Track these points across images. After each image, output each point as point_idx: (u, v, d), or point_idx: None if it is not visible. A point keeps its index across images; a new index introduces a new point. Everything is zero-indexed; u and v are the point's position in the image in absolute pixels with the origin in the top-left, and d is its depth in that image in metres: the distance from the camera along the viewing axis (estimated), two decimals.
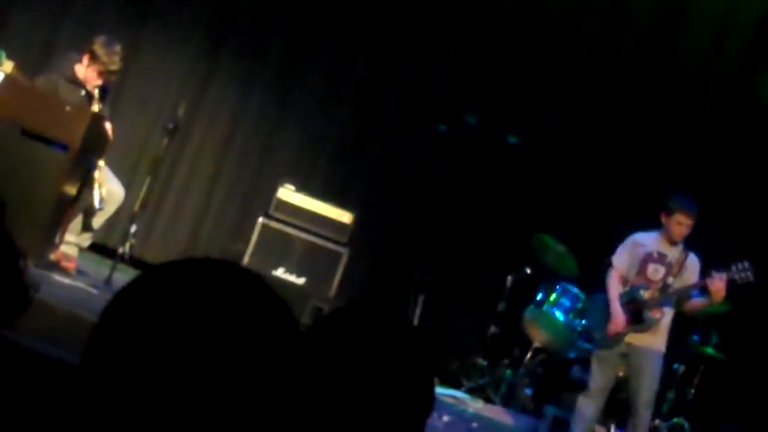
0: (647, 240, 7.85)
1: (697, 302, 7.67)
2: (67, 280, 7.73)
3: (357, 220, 9.54)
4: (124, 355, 1.36)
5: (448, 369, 9.77)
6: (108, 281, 7.83)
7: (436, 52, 10.64)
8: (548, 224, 9.76)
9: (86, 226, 8.34)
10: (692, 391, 9.27)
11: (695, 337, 9.22)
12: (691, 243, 7.78)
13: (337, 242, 9.40)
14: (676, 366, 9.19)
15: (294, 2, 10.65)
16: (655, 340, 7.71)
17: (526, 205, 10.60)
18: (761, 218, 10.12)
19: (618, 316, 7.71)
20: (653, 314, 7.65)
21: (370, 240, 10.33)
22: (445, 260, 10.16)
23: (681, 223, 7.62)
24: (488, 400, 9.46)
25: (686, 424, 9.12)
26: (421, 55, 10.64)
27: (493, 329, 9.92)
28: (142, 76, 10.43)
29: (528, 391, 9.50)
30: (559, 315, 9.19)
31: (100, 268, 8.58)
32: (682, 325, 9.17)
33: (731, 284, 7.42)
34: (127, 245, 8.22)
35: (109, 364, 1.36)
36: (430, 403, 1.97)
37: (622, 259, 7.93)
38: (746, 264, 7.40)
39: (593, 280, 8.34)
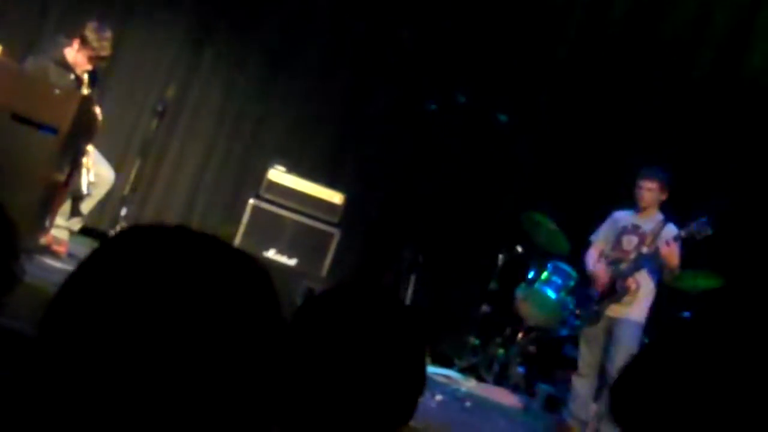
0: (624, 215, 8.11)
1: (664, 270, 7.79)
2: (57, 264, 7.72)
3: (348, 201, 9.53)
4: (82, 324, 1.28)
5: (440, 348, 9.78)
6: None
7: (426, 31, 10.62)
8: (539, 202, 9.76)
9: (75, 211, 8.32)
10: None
11: (686, 314, 9.23)
12: (676, 216, 7.87)
13: (328, 223, 9.39)
14: None
15: None
16: (631, 311, 7.85)
17: (517, 183, 10.60)
18: (752, 195, 10.13)
19: (600, 271, 7.95)
20: (626, 284, 7.79)
21: (362, 220, 10.33)
22: (437, 239, 10.16)
23: (641, 188, 7.88)
24: (481, 378, 9.48)
25: None
26: (411, 33, 10.62)
27: (484, 308, 9.93)
28: (131, 59, 10.41)
29: (520, 370, 9.51)
30: (550, 293, 9.19)
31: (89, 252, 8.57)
32: (673, 302, 9.21)
33: (690, 241, 7.60)
34: (118, 228, 8.21)
35: (66, 334, 1.29)
36: (421, 381, 1.97)
37: (599, 236, 8.21)
38: (704, 219, 7.53)
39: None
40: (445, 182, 10.37)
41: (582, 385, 7.99)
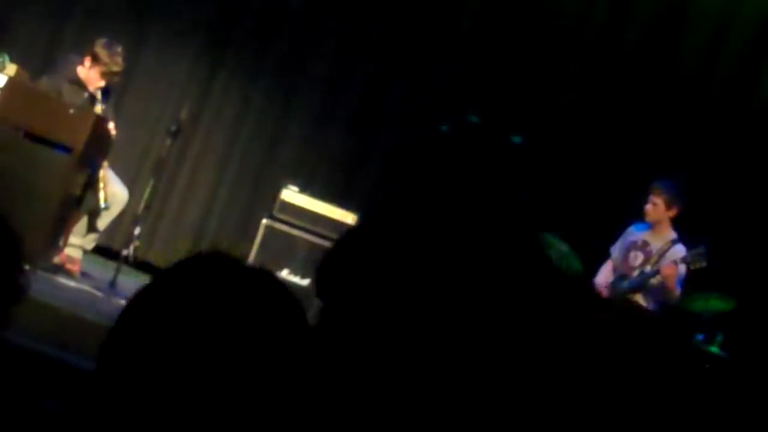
0: (638, 229, 8.08)
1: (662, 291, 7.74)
2: (71, 283, 7.74)
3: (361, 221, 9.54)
4: (139, 359, 1.34)
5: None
6: (112, 284, 7.83)
7: (439, 52, 10.63)
8: (551, 224, 9.74)
9: (91, 228, 8.34)
10: None
11: (700, 336, 9.19)
12: (690, 238, 7.82)
13: None
14: None
15: (295, 3, 10.65)
16: None
17: (530, 204, 10.58)
18: (763, 216, 10.11)
19: (601, 288, 8.00)
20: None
21: None
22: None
23: (647, 201, 7.84)
24: None
25: None
26: (424, 55, 10.63)
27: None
28: (145, 79, 10.44)
29: None
30: None
31: (105, 270, 8.58)
32: (687, 326, 9.18)
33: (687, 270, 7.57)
34: (131, 247, 8.22)
35: (123, 368, 1.35)
36: None
37: (614, 249, 8.22)
38: (701, 249, 7.47)
39: None
40: (457, 204, 10.34)
41: None
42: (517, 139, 9.69)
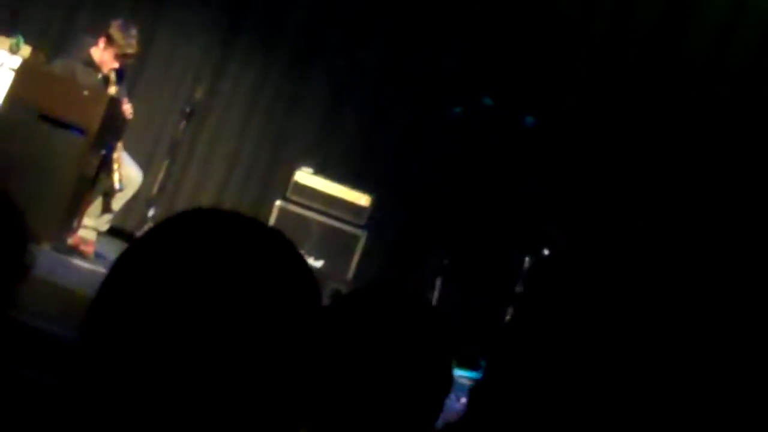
0: None
1: None
2: (85, 264, 7.75)
3: (374, 203, 9.54)
4: (128, 319, 1.21)
5: (466, 350, 9.77)
6: None
7: (452, 34, 10.61)
8: (566, 205, 9.74)
9: (106, 209, 8.36)
10: None
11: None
12: None
13: (354, 225, 9.40)
14: None
15: None
16: None
17: (544, 186, 10.58)
18: None
19: None
20: None
21: (388, 222, 10.32)
22: (463, 242, 10.15)
23: None
24: None
25: None
26: (437, 36, 10.62)
27: (510, 311, 9.91)
28: (159, 60, 10.45)
29: None
30: None
31: (119, 252, 8.59)
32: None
33: None
34: (146, 228, 8.23)
35: (112, 333, 1.21)
36: (448, 382, 1.97)
37: None
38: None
39: None
40: (471, 185, 10.36)
41: None
42: (530, 120, 9.67)
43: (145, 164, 9.17)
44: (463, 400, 8.04)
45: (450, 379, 1.98)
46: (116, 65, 8.15)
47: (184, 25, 10.56)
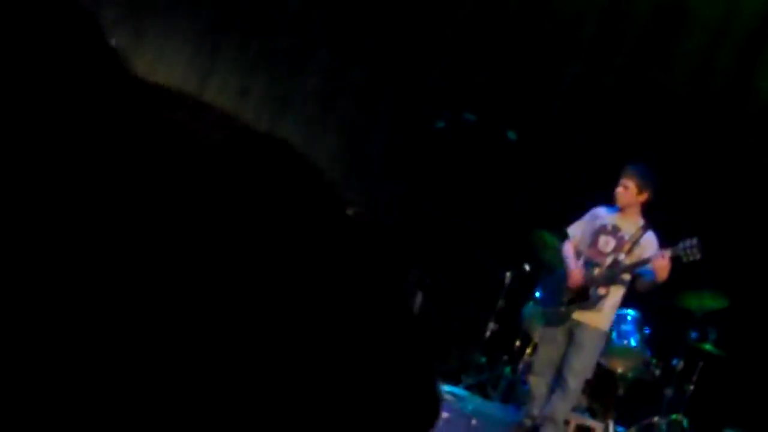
0: (605, 213, 7.79)
1: (647, 280, 7.49)
2: None
3: (356, 218, 9.54)
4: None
5: (447, 365, 9.78)
6: None
7: (434, 49, 10.64)
8: (547, 220, 9.76)
9: None
10: (691, 387, 9.27)
11: (693, 334, 9.22)
12: (663, 231, 7.69)
13: None
14: (674, 362, 9.19)
15: (293, 1, 10.65)
16: (598, 319, 7.62)
17: (525, 201, 10.60)
18: (762, 214, 10.13)
19: (575, 272, 7.66)
20: (598, 291, 7.57)
21: None
22: (445, 257, 10.16)
23: (618, 185, 7.58)
24: (487, 396, 9.47)
25: (685, 421, 9.11)
26: (420, 51, 10.64)
27: (492, 326, 9.93)
28: (143, 71, 10.41)
29: (527, 388, 9.51)
30: None
31: None
32: (680, 322, 9.21)
33: (677, 261, 7.30)
34: None
35: None
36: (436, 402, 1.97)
37: (576, 230, 7.93)
38: (694, 241, 7.21)
39: None
40: (452, 200, 10.37)
41: (538, 384, 7.85)
42: (512, 135, 9.71)
43: None
44: (444, 414, 8.05)
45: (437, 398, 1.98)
46: None
47: (168, 36, 10.55)
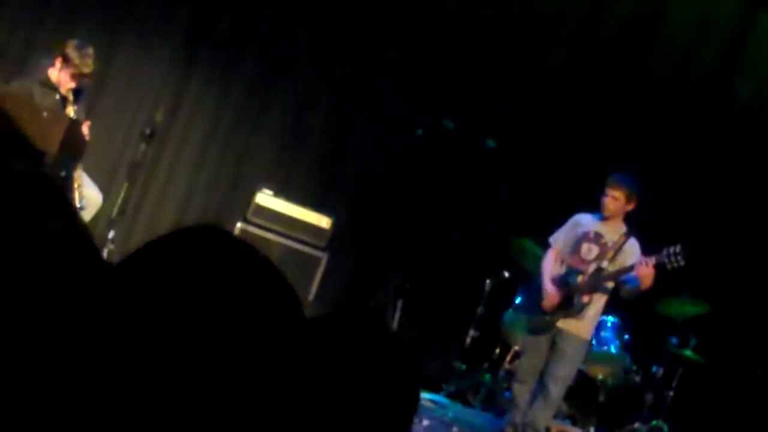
0: (587, 220, 7.79)
1: (631, 288, 7.46)
2: None
3: (335, 225, 9.53)
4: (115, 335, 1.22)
5: (427, 373, 9.77)
6: None
7: (413, 57, 10.64)
8: (526, 228, 9.76)
9: None
10: (671, 393, 9.29)
11: (674, 340, 9.24)
12: (647, 238, 7.70)
13: (315, 247, 9.38)
14: (654, 368, 9.22)
15: (272, 8, 10.62)
16: (581, 327, 7.60)
17: (505, 208, 10.61)
18: (743, 220, 10.17)
19: (550, 291, 7.65)
20: (582, 299, 7.58)
21: (349, 244, 10.31)
22: (424, 264, 10.15)
23: (606, 195, 7.58)
24: (468, 403, 9.47)
25: (665, 427, 9.14)
26: (398, 59, 10.63)
27: (472, 333, 9.93)
28: (119, 83, 10.39)
29: (507, 395, 9.50)
30: None
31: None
32: (660, 328, 9.23)
33: (661, 269, 7.30)
34: (105, 251, 8.19)
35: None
36: (412, 412, 1.96)
37: (558, 238, 7.92)
38: (678, 248, 7.22)
39: None
40: (432, 207, 10.37)
41: (521, 391, 7.86)
42: (491, 143, 9.71)
43: (106, 186, 9.12)
44: (425, 422, 8.04)
45: (414, 410, 1.97)
46: (73, 85, 8.11)
47: (144, 47, 10.51)
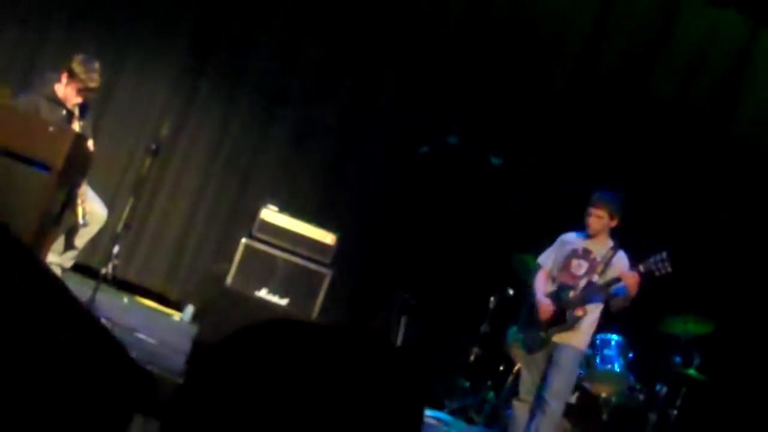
0: (575, 238, 7.88)
1: (620, 298, 7.53)
2: None
3: (340, 241, 9.52)
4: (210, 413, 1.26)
5: (431, 390, 9.75)
6: (91, 302, 7.80)
7: (418, 74, 10.66)
8: (531, 245, 9.76)
9: (69, 245, 8.31)
10: (674, 412, 9.27)
11: (677, 359, 9.22)
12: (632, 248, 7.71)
13: (320, 263, 9.37)
14: (658, 387, 9.19)
15: (276, 23, 10.66)
16: (575, 338, 7.62)
17: (509, 225, 10.61)
18: (746, 239, 10.17)
19: (544, 303, 7.70)
20: (575, 313, 7.61)
21: (354, 261, 10.31)
22: (429, 281, 10.15)
23: (590, 215, 7.70)
24: (471, 421, 9.45)
25: None
26: (403, 76, 10.66)
27: (476, 350, 9.91)
28: (125, 98, 10.42)
29: (510, 413, 9.48)
30: None
31: (83, 288, 8.54)
32: (664, 347, 9.21)
33: (649, 276, 7.37)
34: (110, 266, 8.18)
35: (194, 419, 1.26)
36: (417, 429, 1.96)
37: (548, 258, 7.98)
38: (664, 255, 7.32)
39: None
40: (437, 224, 10.37)
41: (522, 409, 7.86)
42: (496, 161, 9.70)
43: (110, 201, 9.13)
44: None
45: (420, 426, 1.97)
46: (79, 100, 8.12)
47: (150, 63, 10.55)
